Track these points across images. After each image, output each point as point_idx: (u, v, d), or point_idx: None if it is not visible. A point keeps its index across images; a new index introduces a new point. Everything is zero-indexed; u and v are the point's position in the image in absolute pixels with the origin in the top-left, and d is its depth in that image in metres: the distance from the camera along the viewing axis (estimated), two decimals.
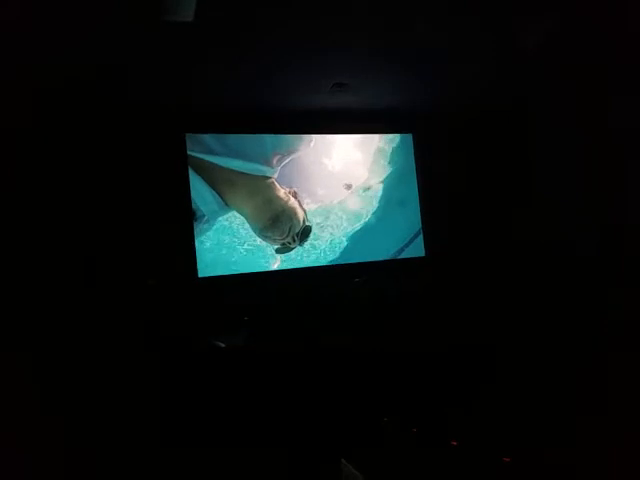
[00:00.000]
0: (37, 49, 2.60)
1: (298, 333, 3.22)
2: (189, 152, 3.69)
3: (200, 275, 3.71)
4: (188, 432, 2.41)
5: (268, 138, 3.98)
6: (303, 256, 4.04)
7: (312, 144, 4.16)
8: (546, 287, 3.45)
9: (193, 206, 3.67)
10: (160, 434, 2.43)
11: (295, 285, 3.88)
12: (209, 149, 3.74)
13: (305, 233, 4.03)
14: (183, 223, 3.69)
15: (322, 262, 4.09)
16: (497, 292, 3.51)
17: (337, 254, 4.14)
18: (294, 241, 3.99)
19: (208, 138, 3.76)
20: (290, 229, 3.98)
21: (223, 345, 3.01)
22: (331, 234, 4.14)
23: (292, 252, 4.00)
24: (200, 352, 2.99)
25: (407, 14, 2.64)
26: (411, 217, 4.38)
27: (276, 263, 3.96)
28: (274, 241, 3.94)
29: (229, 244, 3.83)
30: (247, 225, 3.88)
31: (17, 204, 3.23)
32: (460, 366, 2.71)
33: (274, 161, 3.96)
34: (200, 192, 3.68)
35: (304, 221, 4.04)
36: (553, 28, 2.81)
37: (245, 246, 3.87)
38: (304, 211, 4.05)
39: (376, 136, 4.43)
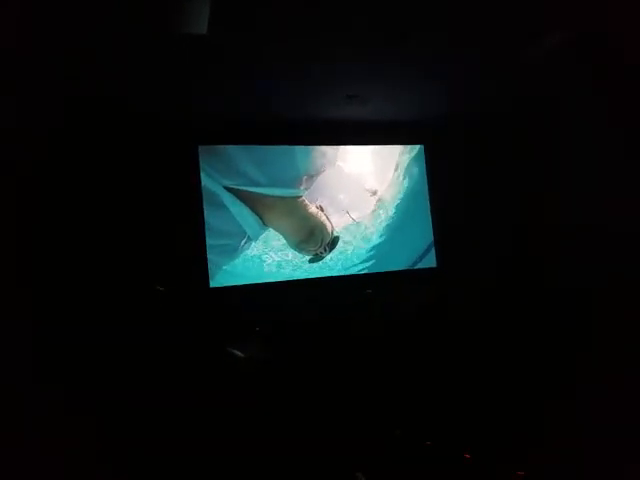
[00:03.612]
0: (37, 52, 2.67)
1: (311, 342, 3.37)
2: (236, 186, 4.17)
3: (212, 285, 4.01)
4: (200, 439, 2.44)
5: (300, 162, 4.43)
6: (318, 267, 4.47)
7: (337, 162, 4.62)
8: (558, 295, 3.65)
9: (236, 230, 4.18)
10: (171, 439, 2.46)
11: (310, 295, 4.22)
12: (253, 181, 4.22)
13: (334, 243, 4.57)
14: (195, 235, 4.00)
15: (337, 273, 4.51)
16: (508, 302, 3.80)
17: (352, 265, 4.58)
18: (325, 250, 4.54)
19: (252, 171, 4.22)
20: (322, 240, 4.51)
21: (241, 354, 3.16)
22: (349, 245, 4.61)
23: (306, 263, 4.45)
24: (217, 360, 3.10)
25: (415, 27, 2.85)
26: (425, 228, 4.81)
27: (289, 273, 4.33)
28: (308, 252, 4.48)
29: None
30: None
31: (37, 212, 3.44)
32: (471, 375, 2.90)
33: (305, 182, 4.45)
34: (245, 218, 4.19)
35: (332, 232, 4.58)
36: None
37: (257, 257, 4.25)
38: (331, 223, 4.58)
39: (393, 147, 4.83)
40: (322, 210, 4.54)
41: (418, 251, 4.79)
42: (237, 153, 4.23)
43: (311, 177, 4.49)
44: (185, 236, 4.00)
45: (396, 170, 4.84)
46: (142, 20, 2.49)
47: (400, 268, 4.68)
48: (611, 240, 3.53)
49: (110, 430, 2.51)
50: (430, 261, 4.76)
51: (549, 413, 2.34)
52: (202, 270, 4.03)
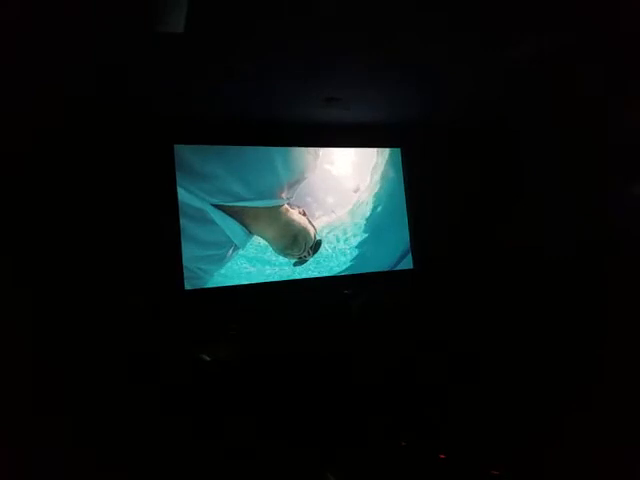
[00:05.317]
0: (36, 53, 2.71)
1: (285, 344, 3.32)
2: (223, 202, 4.34)
3: (186, 287, 4.14)
4: (175, 440, 2.43)
5: (281, 172, 4.60)
6: (301, 269, 4.67)
7: (316, 167, 4.79)
8: (535, 294, 3.75)
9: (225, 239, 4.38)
10: (146, 443, 2.43)
11: (286, 297, 4.35)
12: (239, 197, 4.41)
13: (317, 246, 4.81)
14: (170, 236, 4.10)
15: (319, 274, 4.71)
16: (486, 301, 3.90)
17: (334, 267, 4.80)
18: (309, 254, 4.78)
19: (237, 187, 4.39)
20: (305, 245, 4.74)
21: (208, 358, 3.14)
22: (330, 248, 4.82)
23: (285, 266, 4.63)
24: (185, 365, 3.06)
25: (394, 31, 2.90)
26: (403, 230, 5.05)
27: (267, 276, 4.51)
28: (293, 256, 4.70)
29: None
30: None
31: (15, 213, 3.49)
32: (451, 374, 2.90)
33: (288, 191, 4.64)
34: (233, 229, 4.39)
35: (315, 236, 4.80)
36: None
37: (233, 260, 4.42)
38: (314, 227, 4.80)
39: (372, 150, 5.01)
40: (304, 215, 4.75)
41: (397, 253, 5.04)
42: (221, 172, 4.38)
43: (292, 185, 4.67)
44: (161, 238, 4.07)
45: (374, 173, 5.05)
46: (117, 17, 2.45)
47: (380, 270, 4.94)
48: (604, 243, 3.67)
49: (84, 433, 2.51)
50: (407, 263, 5.03)
51: (524, 412, 2.35)
52: (178, 273, 4.11)
